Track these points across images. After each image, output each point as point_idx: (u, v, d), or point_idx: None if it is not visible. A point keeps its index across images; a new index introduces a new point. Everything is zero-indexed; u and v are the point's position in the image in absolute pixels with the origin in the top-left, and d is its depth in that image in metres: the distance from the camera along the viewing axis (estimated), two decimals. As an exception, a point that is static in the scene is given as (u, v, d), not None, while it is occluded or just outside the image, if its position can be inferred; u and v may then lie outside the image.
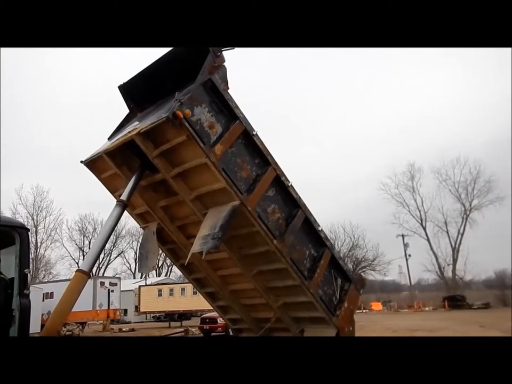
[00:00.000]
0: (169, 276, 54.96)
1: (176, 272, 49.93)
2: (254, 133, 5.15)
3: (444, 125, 76.55)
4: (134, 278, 51.92)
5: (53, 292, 23.34)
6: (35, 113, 70.26)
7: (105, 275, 48.70)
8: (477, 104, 71.83)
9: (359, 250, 48.69)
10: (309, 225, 5.75)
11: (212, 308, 7.50)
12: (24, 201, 50.11)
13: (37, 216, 50.48)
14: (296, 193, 5.60)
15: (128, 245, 58.50)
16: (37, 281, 41.82)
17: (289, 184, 5.51)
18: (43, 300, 23.33)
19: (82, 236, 55.61)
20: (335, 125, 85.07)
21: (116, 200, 5.15)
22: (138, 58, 5.52)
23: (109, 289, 26.40)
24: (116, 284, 27.92)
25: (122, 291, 29.59)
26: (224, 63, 5.05)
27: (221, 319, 13.59)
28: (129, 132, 4.97)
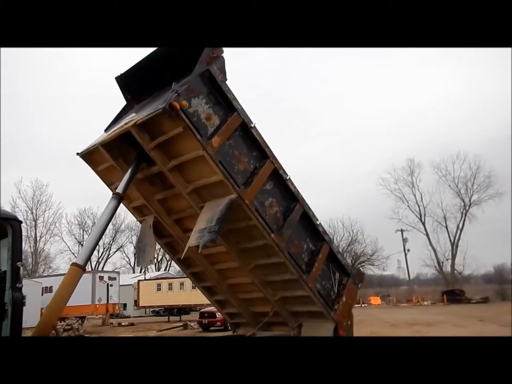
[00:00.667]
0: (168, 270, 55.04)
1: (175, 266, 49.90)
2: (252, 125, 5.09)
3: (444, 121, 76.59)
4: (134, 272, 51.99)
5: (52, 286, 23.31)
6: (35, 107, 70.10)
7: (104, 269, 48.70)
8: (476, 101, 71.73)
9: (358, 245, 49.10)
10: (307, 219, 5.69)
11: (210, 302, 7.47)
12: (23, 195, 50.56)
13: (36, 210, 50.83)
14: (295, 187, 5.55)
15: (127, 239, 58.63)
16: (36, 275, 41.98)
17: (287, 178, 5.45)
18: (42, 294, 23.38)
19: (81, 230, 55.70)
20: (335, 121, 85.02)
21: (111, 193, 5.09)
22: (139, 54, 5.41)
23: (108, 284, 26.43)
24: (114, 278, 27.95)
25: (121, 285, 29.65)
26: (223, 54, 4.97)
27: (219, 313, 13.60)
28: (125, 124, 4.90)
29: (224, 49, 5.02)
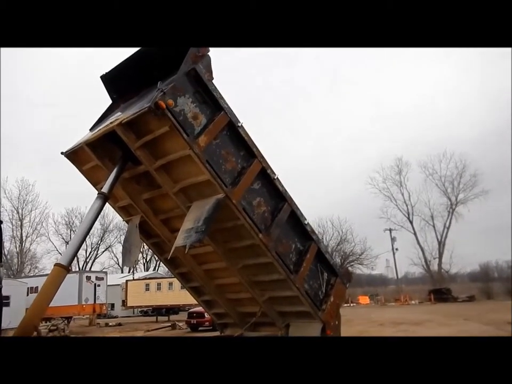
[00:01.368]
0: (157, 270, 54.63)
1: (164, 266, 49.53)
2: (239, 125, 5.05)
3: (430, 120, 77.42)
4: (122, 272, 51.45)
5: (37, 287, 22.87)
6: (20, 105, 68.90)
7: (92, 269, 48.14)
8: (462, 99, 72.68)
9: (347, 244, 48.72)
10: (295, 218, 5.68)
11: (198, 303, 7.42)
12: (9, 194, 49.24)
13: (22, 210, 49.68)
14: (282, 186, 5.53)
15: (115, 239, 57.90)
16: (22, 275, 41.25)
17: (275, 177, 5.43)
18: (27, 294, 22.95)
19: (69, 230, 54.74)
20: (322, 121, 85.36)
21: (97, 193, 5.01)
22: (125, 53, 5.33)
23: (95, 284, 26.09)
24: (102, 278, 27.60)
25: (109, 285, 29.28)
26: (209, 52, 4.92)
27: (208, 313, 13.53)
28: (110, 123, 4.82)
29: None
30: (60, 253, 52.88)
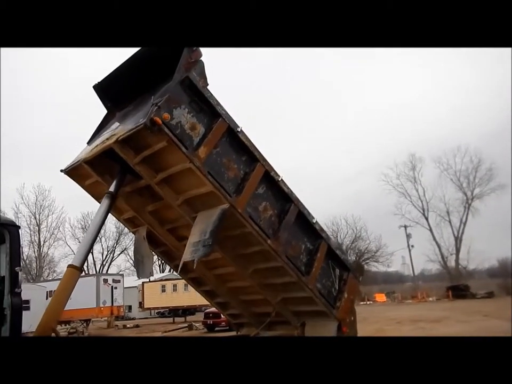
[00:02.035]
0: (172, 271, 54.85)
1: (177, 270, 49.74)
2: (239, 130, 4.92)
3: (443, 114, 75.32)
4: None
5: (56, 290, 23.22)
6: (35, 111, 69.02)
7: (108, 272, 48.65)
8: (476, 94, 70.34)
9: (362, 242, 48.21)
10: (303, 218, 5.58)
11: (212, 305, 7.44)
12: (26, 200, 50.25)
13: (39, 215, 50.80)
14: (288, 188, 5.42)
15: (131, 241, 58.07)
16: (41, 279, 41.96)
17: (279, 179, 5.32)
18: (46, 298, 23.30)
19: (85, 234, 55.37)
20: (336, 117, 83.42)
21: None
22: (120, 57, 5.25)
23: (112, 286, 26.37)
24: (119, 281, 27.89)
25: (126, 288, 29.58)
26: (201, 58, 4.79)
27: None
28: (107, 139, 4.74)
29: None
30: (77, 257, 53.42)
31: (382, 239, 47.36)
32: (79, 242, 54.54)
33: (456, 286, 37.94)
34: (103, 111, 5.76)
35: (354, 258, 42.70)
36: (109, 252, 55.75)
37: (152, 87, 4.97)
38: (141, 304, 32.03)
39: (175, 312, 30.20)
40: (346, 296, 5.88)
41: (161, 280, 35.22)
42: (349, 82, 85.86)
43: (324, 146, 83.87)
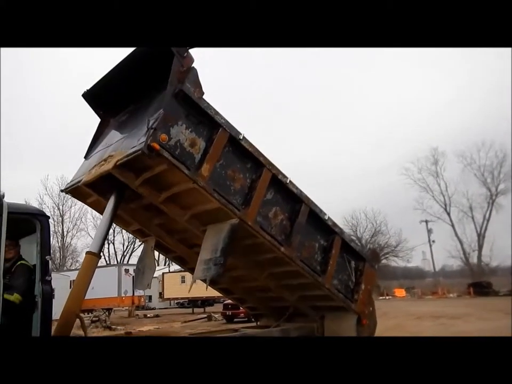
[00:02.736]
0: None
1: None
2: (241, 137, 4.62)
3: (467, 108, 71.07)
4: (158, 265, 52.23)
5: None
6: (59, 107, 67.30)
7: (129, 263, 49.39)
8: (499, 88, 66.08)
9: (382, 236, 47.33)
10: (315, 217, 5.40)
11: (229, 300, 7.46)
12: (50, 191, 50.11)
13: (62, 206, 50.45)
14: (297, 188, 5.19)
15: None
16: (64, 269, 42.78)
17: (288, 181, 5.08)
18: (70, 287, 23.97)
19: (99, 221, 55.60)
20: (357, 111, 79.31)
21: None
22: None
23: (133, 276, 26.55)
24: (139, 271, 28.07)
25: (146, 278, 29.71)
26: (193, 64, 4.40)
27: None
28: (105, 160, 4.49)
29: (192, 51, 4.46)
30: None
31: (402, 233, 46.24)
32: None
33: (478, 282, 36.94)
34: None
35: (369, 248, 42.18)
36: (130, 243, 55.40)
37: (147, 89, 4.69)
38: (161, 295, 31.97)
39: (194, 302, 30.16)
40: (363, 287, 5.82)
41: (181, 271, 35.29)
42: (378, 77, 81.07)
43: (345, 139, 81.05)
